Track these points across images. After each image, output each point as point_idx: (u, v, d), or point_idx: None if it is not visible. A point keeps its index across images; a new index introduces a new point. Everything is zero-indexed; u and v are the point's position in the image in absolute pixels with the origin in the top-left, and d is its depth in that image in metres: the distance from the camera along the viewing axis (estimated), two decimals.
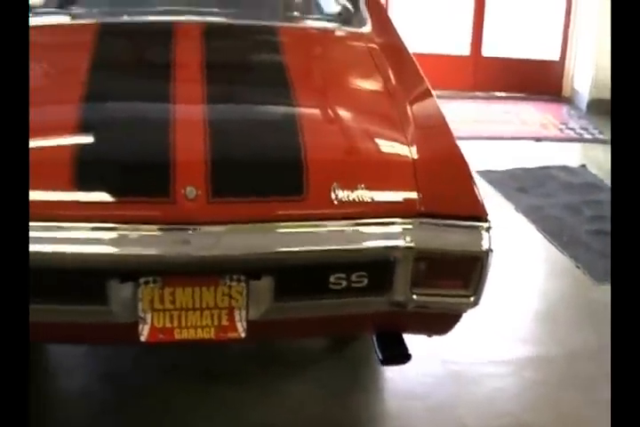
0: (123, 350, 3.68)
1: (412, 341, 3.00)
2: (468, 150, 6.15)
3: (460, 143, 3.01)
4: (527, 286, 4.52)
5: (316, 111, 3.12)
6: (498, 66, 8.09)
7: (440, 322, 2.94)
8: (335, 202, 2.67)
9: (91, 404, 3.37)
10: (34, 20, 3.46)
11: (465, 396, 3.51)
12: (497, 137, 6.96)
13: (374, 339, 3.02)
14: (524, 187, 5.85)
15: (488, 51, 8.11)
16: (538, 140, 6.92)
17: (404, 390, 3.54)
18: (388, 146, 2.94)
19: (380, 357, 2.99)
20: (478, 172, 5.92)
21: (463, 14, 8.14)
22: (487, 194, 5.56)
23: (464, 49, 8.09)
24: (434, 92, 3.27)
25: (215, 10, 3.77)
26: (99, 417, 3.27)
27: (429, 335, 3.12)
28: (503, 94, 8.08)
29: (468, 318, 2.94)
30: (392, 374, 3.59)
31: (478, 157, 6.36)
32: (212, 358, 3.63)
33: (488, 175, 6.03)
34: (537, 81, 8.03)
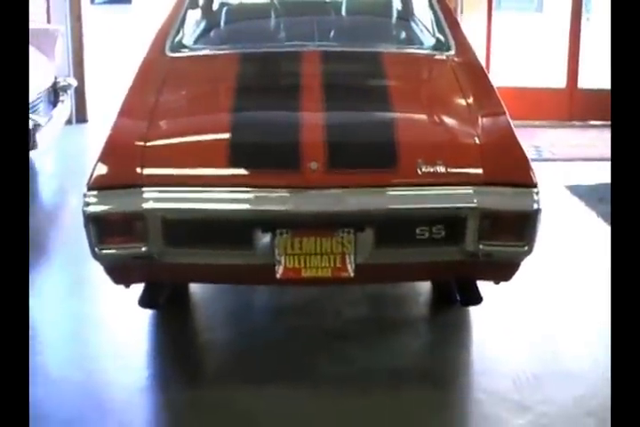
0: (259, 314, 4.62)
1: None
2: (562, 170, 6.96)
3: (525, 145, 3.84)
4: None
5: (407, 113, 4.09)
6: (593, 97, 8.82)
7: (503, 269, 3.82)
8: (420, 173, 3.60)
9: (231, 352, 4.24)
10: (192, 52, 4.63)
11: None
12: (587, 158, 7.72)
13: (454, 285, 3.96)
14: (605, 198, 6.60)
15: (583, 82, 8.88)
16: None
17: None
18: (461, 135, 3.89)
19: (459, 299, 3.92)
20: (567, 186, 6.78)
21: (559, 48, 8.92)
22: (572, 204, 6.41)
23: (561, 82, 8.87)
24: (500, 98, 4.16)
25: (332, 40, 4.84)
26: (239, 361, 4.09)
27: (496, 282, 3.98)
28: (598, 122, 8.80)
29: None
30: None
31: (569, 175, 7.21)
32: (329, 322, 4.47)
33: (576, 189, 6.80)
34: None
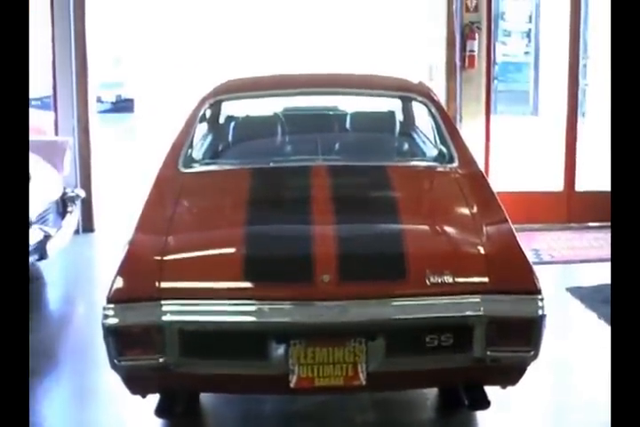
0: (269, 421, 4.67)
1: None
2: (561, 273, 7.04)
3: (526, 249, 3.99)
4: None
5: (415, 225, 4.27)
6: (590, 199, 8.92)
7: (510, 374, 3.94)
8: (429, 283, 3.74)
9: None
10: (204, 167, 4.80)
11: None
12: (586, 260, 7.83)
13: (461, 389, 4.05)
14: (608, 298, 6.69)
15: (580, 185, 9.03)
16: None
17: None
18: (466, 245, 4.05)
19: (467, 403, 4.02)
20: (568, 288, 6.85)
21: (555, 151, 9.14)
22: (574, 306, 6.49)
23: (558, 185, 9.05)
24: (502, 207, 4.32)
25: (338, 154, 5.03)
26: None
27: (503, 387, 4.08)
28: (596, 224, 8.89)
29: None
30: None
31: (569, 278, 7.31)
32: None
33: (577, 291, 6.87)
34: None
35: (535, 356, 3.79)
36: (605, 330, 5.91)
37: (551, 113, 12.73)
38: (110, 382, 4.02)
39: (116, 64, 20.36)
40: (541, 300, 3.76)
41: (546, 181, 9.44)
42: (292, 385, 3.73)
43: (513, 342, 3.76)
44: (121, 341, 3.67)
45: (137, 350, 3.69)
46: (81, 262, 7.89)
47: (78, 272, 7.66)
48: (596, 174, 9.62)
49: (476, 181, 4.66)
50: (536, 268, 3.95)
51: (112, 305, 3.69)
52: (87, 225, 8.71)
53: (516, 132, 12.33)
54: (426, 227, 4.26)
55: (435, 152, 5.12)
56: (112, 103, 20.58)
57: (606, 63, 12.86)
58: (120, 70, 20.26)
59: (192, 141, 5.05)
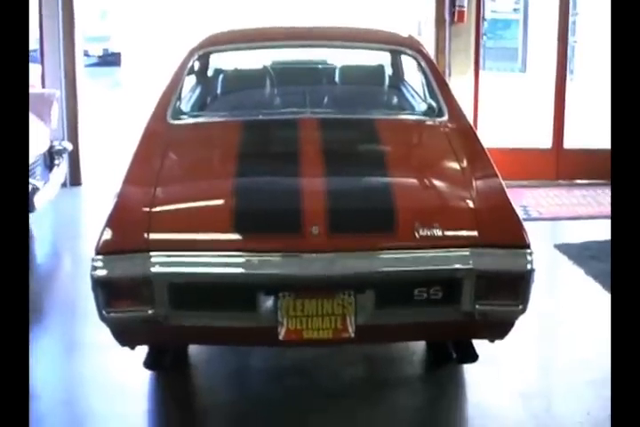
0: (258, 375, 4.69)
1: None
2: (549, 229, 7.06)
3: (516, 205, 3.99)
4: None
5: (404, 178, 4.23)
6: (578, 157, 8.97)
7: (498, 328, 3.94)
8: (418, 236, 3.73)
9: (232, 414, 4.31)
10: (193, 119, 4.77)
11: None
12: (575, 217, 7.86)
13: (450, 343, 4.07)
14: (595, 255, 6.71)
15: (569, 142, 9.05)
16: None
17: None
18: (456, 199, 4.03)
19: (455, 357, 4.03)
20: (556, 245, 6.87)
21: (544, 109, 9.13)
22: (561, 262, 6.51)
23: (547, 142, 9.06)
24: (492, 161, 4.31)
25: (328, 107, 5.00)
26: (240, 423, 4.17)
27: (491, 340, 4.09)
28: (584, 181, 8.93)
29: None
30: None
31: (557, 234, 7.34)
32: (327, 382, 4.57)
33: (564, 247, 6.89)
34: None
35: (523, 310, 3.79)
36: (592, 286, 5.95)
37: (539, 70, 12.73)
38: (98, 334, 4.00)
39: (103, 17, 20.20)
40: (530, 254, 3.75)
41: (533, 137, 9.45)
42: (280, 337, 3.72)
43: (501, 296, 3.75)
44: (109, 292, 3.66)
45: (125, 301, 3.67)
46: (68, 216, 7.88)
47: (66, 226, 7.65)
48: (583, 132, 9.64)
49: (465, 135, 4.64)
50: (524, 224, 3.93)
51: (100, 257, 3.67)
52: (74, 178, 8.68)
53: (504, 88, 12.32)
54: (415, 180, 4.23)
55: (424, 106, 5.09)
56: (99, 57, 20.45)
57: (595, 19, 12.87)
58: (107, 24, 20.11)
59: (180, 94, 5.00)
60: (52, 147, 7.29)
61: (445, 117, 4.75)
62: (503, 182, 4.11)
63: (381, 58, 6.24)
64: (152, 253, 3.66)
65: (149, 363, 4.06)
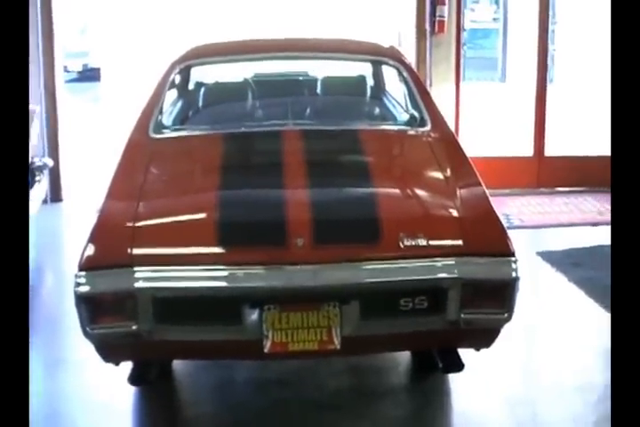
0: (243, 387, 4.66)
1: None
2: (532, 237, 7.07)
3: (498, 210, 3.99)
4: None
5: (388, 188, 4.24)
6: (559, 164, 8.99)
7: (484, 336, 3.94)
8: (402, 246, 3.72)
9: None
10: (175, 133, 4.76)
11: None
12: (557, 224, 7.88)
13: (435, 352, 4.06)
14: (578, 262, 6.72)
15: (550, 150, 9.07)
16: (594, 224, 7.81)
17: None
18: (440, 208, 4.04)
19: (441, 366, 4.01)
20: (539, 253, 6.88)
21: (524, 117, 9.15)
22: (544, 270, 6.51)
23: (527, 150, 9.07)
24: (476, 170, 4.31)
25: (310, 118, 4.99)
26: None
27: (477, 349, 4.08)
28: (566, 189, 8.95)
29: None
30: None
31: (539, 242, 7.34)
32: (313, 393, 4.54)
33: (547, 255, 6.91)
34: (595, 175, 8.70)
35: (509, 318, 3.79)
36: (575, 292, 5.99)
37: (519, 79, 12.77)
38: (82, 350, 3.97)
39: (82, 33, 20.16)
40: (515, 262, 3.76)
41: (515, 146, 9.47)
42: (266, 350, 3.71)
43: (487, 305, 3.75)
44: (93, 308, 3.64)
45: (109, 317, 3.65)
46: (50, 232, 7.81)
47: (47, 242, 7.57)
48: (564, 140, 9.66)
49: (448, 145, 4.64)
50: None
51: (84, 273, 3.65)
52: (55, 194, 8.63)
53: (485, 98, 12.36)
54: (399, 190, 4.23)
55: (406, 116, 5.09)
56: (78, 72, 20.39)
57: (574, 28, 12.93)
58: (86, 39, 20.06)
59: (162, 107, 4.99)
60: (32, 163, 7.26)
61: (428, 127, 4.75)
62: (487, 191, 4.11)
63: (363, 69, 6.25)
64: (136, 268, 3.64)
65: (134, 378, 4.03)
